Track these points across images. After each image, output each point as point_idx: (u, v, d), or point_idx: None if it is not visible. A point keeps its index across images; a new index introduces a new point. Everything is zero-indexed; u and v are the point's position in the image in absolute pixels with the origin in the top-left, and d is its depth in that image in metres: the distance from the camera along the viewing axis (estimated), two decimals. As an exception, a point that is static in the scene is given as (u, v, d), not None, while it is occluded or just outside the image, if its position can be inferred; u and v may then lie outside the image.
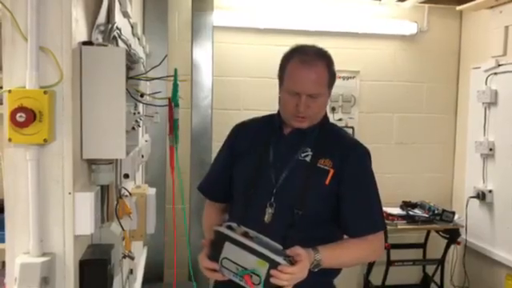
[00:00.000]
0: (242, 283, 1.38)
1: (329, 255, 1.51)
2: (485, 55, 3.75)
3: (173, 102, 1.44)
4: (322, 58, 1.59)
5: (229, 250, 1.40)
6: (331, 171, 1.58)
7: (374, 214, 1.65)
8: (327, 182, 1.57)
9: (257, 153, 1.64)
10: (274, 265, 1.35)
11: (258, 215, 1.56)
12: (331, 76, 1.60)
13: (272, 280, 1.36)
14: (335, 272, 1.68)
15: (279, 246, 1.41)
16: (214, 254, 1.42)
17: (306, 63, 1.56)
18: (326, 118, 1.69)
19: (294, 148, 1.62)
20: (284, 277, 1.36)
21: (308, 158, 1.60)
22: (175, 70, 1.48)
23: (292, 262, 1.38)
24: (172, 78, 1.47)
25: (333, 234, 1.62)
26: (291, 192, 1.58)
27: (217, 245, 1.41)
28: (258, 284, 1.36)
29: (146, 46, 2.98)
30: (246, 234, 1.42)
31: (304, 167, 1.59)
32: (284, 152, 1.62)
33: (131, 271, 2.25)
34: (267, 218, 1.56)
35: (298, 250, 1.42)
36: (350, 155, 1.63)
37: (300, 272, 1.40)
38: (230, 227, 1.43)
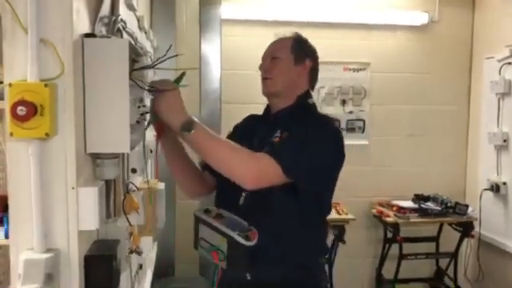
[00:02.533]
0: (212, 260, 1.53)
1: (204, 129, 1.47)
2: (498, 45, 3.69)
3: None
4: (290, 35, 1.75)
5: (203, 230, 1.56)
6: (277, 139, 1.62)
7: (285, 149, 1.55)
8: None
9: (245, 141, 1.63)
10: (230, 240, 1.45)
11: (234, 198, 1.62)
12: (297, 45, 1.72)
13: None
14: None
15: (245, 224, 1.50)
16: (195, 236, 1.59)
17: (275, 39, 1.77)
18: (303, 101, 1.72)
19: (270, 132, 1.67)
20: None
21: (276, 139, 1.64)
22: (183, 73, 1.50)
23: (248, 237, 1.45)
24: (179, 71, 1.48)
25: (308, 212, 1.62)
26: None
27: (195, 227, 1.59)
28: (223, 260, 1.48)
29: (153, 40, 2.96)
30: (219, 215, 1.54)
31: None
32: (262, 138, 1.66)
33: (140, 266, 2.25)
34: (241, 201, 1.61)
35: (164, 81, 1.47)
36: (300, 122, 1.62)
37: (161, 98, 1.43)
38: (206, 210, 1.58)
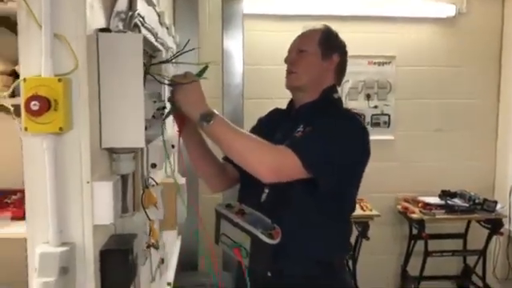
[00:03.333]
0: (234, 256, 1.51)
1: (224, 121, 1.46)
2: (529, 36, 3.58)
3: None
4: (319, 27, 1.70)
5: (224, 226, 1.54)
6: (299, 134, 1.60)
7: (306, 143, 1.51)
8: None
9: (266, 136, 1.59)
10: (254, 238, 1.43)
11: (256, 194, 1.61)
12: (325, 39, 1.67)
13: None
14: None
15: (268, 221, 1.48)
16: (216, 230, 1.58)
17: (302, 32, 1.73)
18: (328, 96, 1.68)
19: (292, 127, 1.64)
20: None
21: (298, 134, 1.61)
22: (206, 66, 1.50)
23: (272, 235, 1.43)
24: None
25: (328, 209, 1.59)
26: None
27: (216, 222, 1.58)
28: (246, 257, 1.47)
29: (175, 36, 2.96)
30: (241, 211, 1.53)
31: None
32: (285, 132, 1.63)
33: (162, 260, 2.26)
34: (263, 197, 1.60)
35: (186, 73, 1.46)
36: (323, 116, 1.58)
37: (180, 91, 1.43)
38: (228, 205, 1.57)
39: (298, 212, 1.57)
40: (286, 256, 1.51)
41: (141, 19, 1.58)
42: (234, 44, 3.49)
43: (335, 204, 1.60)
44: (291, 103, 1.75)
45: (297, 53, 1.67)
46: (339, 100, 1.71)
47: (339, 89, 1.76)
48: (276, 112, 1.85)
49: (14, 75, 1.86)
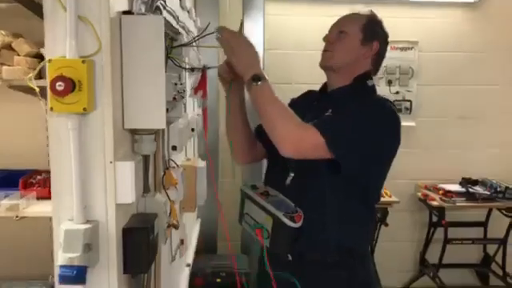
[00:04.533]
0: (255, 237, 1.54)
1: (269, 86, 1.48)
2: (557, 21, 3.49)
3: None
4: (367, 13, 1.68)
5: (248, 206, 1.58)
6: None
7: (333, 122, 1.51)
8: None
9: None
10: (276, 219, 1.46)
11: (281, 178, 1.63)
12: (369, 25, 1.64)
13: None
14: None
15: (292, 205, 1.50)
16: (240, 210, 1.62)
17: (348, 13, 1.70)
18: (361, 83, 1.65)
19: (321, 112, 1.60)
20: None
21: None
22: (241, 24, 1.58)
23: (293, 218, 1.45)
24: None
25: (352, 196, 1.59)
26: None
27: (241, 202, 1.63)
28: (267, 238, 1.49)
29: (196, 20, 2.97)
30: (265, 193, 1.55)
31: None
32: (314, 116, 1.58)
33: (182, 241, 2.30)
34: (287, 181, 1.61)
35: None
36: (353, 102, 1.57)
37: (233, 37, 1.49)
38: (254, 186, 1.61)
39: (321, 198, 1.58)
40: (307, 241, 1.53)
41: (162, 2, 1.59)
42: (254, 28, 3.47)
43: (360, 191, 1.59)
44: (325, 86, 1.74)
45: (337, 33, 1.64)
46: (373, 87, 1.67)
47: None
48: (309, 94, 1.84)
49: (39, 58, 1.90)
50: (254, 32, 3.47)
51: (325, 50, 1.67)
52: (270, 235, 1.49)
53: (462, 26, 3.88)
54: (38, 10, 2.04)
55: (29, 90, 1.82)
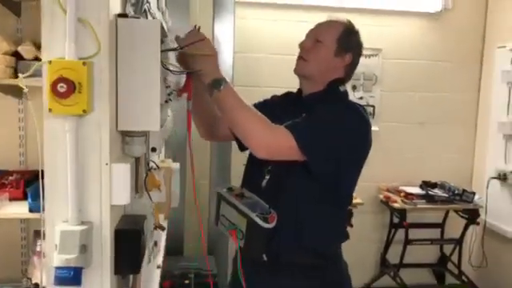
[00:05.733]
0: (230, 237, 1.57)
1: (232, 90, 1.51)
2: (510, 34, 3.68)
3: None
4: (342, 21, 1.70)
5: (224, 208, 1.61)
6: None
7: (304, 124, 1.55)
8: None
9: (274, 117, 1.63)
10: (249, 220, 1.48)
11: (257, 180, 1.66)
12: (345, 37, 1.67)
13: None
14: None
15: (266, 206, 1.53)
16: (216, 212, 1.65)
17: (327, 20, 1.72)
18: (333, 89, 1.69)
19: (296, 115, 1.63)
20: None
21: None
22: (197, 28, 1.53)
23: (267, 219, 1.47)
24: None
25: (327, 203, 1.63)
26: None
27: (217, 204, 1.64)
28: (242, 239, 1.51)
29: (168, 21, 2.97)
30: (241, 195, 1.58)
31: None
32: (289, 120, 1.61)
33: (155, 243, 2.30)
34: (263, 183, 1.64)
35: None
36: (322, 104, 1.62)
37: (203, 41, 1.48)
38: (230, 188, 1.64)
39: (295, 200, 1.61)
40: (281, 242, 1.57)
41: (148, 5, 1.60)
42: (224, 31, 3.49)
43: (333, 194, 1.64)
44: (300, 90, 1.77)
45: (313, 41, 1.67)
46: (345, 93, 1.72)
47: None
48: (288, 95, 1.86)
49: (17, 56, 1.86)
50: (224, 34, 3.49)
51: (299, 57, 1.70)
52: (244, 236, 1.52)
53: (424, 35, 4.04)
54: (14, 8, 2.01)
55: (7, 89, 1.79)
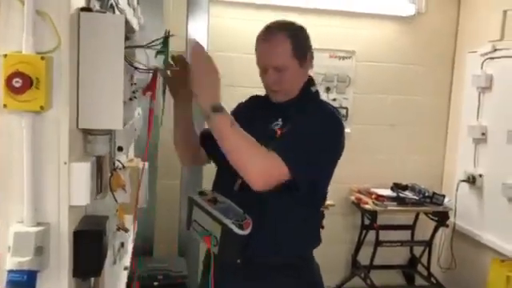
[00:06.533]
0: (203, 244, 1.53)
1: (226, 118, 1.48)
2: (482, 39, 3.75)
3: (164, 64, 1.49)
4: (283, 30, 1.61)
5: (196, 213, 1.56)
6: (278, 131, 1.61)
7: (291, 148, 1.53)
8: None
9: (245, 121, 1.63)
10: (224, 227, 1.45)
11: (229, 184, 1.63)
12: (297, 46, 1.60)
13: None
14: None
15: (240, 211, 1.50)
16: (188, 217, 1.59)
17: (266, 37, 1.62)
18: (307, 91, 1.69)
19: (269, 120, 1.65)
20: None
21: (277, 127, 1.62)
22: (167, 31, 1.48)
23: (242, 226, 1.45)
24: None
25: (301, 205, 1.61)
26: None
27: (189, 209, 1.59)
28: (216, 245, 1.48)
29: (140, 18, 2.91)
30: (213, 200, 1.54)
31: (271, 137, 1.60)
32: (261, 125, 1.63)
33: (122, 244, 2.25)
34: (236, 186, 1.61)
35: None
36: (302, 114, 1.61)
37: (195, 61, 1.47)
38: (201, 192, 1.59)
39: (269, 203, 1.59)
40: (256, 245, 1.54)
41: (115, 0, 1.56)
42: (198, 29, 3.45)
43: (308, 197, 1.62)
44: (265, 95, 1.75)
45: (273, 71, 1.60)
46: (317, 93, 1.73)
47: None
48: (256, 99, 1.84)
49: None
50: (198, 33, 3.45)
51: (272, 90, 1.65)
52: (218, 243, 1.48)
53: (397, 39, 4.07)
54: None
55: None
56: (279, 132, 1.60)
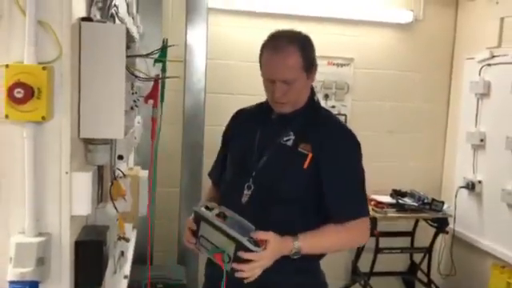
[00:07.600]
0: (214, 260, 1.47)
1: (309, 242, 1.53)
2: (479, 46, 3.76)
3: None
4: (294, 42, 1.59)
5: (204, 229, 1.50)
6: (309, 155, 1.59)
7: (356, 201, 1.64)
8: (305, 166, 1.59)
9: (246, 137, 1.67)
10: (239, 245, 1.41)
11: (237, 196, 1.62)
12: (306, 59, 1.60)
13: (234, 266, 1.42)
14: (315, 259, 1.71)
15: (252, 227, 1.47)
16: (195, 232, 1.54)
17: (276, 49, 1.58)
18: (312, 101, 1.70)
19: (278, 132, 1.64)
20: (245, 265, 1.41)
21: (290, 143, 1.62)
22: (165, 40, 1.49)
23: (257, 243, 1.43)
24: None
25: (310, 221, 1.60)
26: (269, 175, 1.62)
27: (196, 224, 1.53)
28: (228, 262, 1.42)
29: (140, 26, 2.92)
30: (222, 214, 1.49)
31: (285, 151, 1.61)
32: (269, 136, 1.64)
33: (122, 253, 2.24)
34: (244, 199, 1.61)
35: (267, 236, 1.45)
36: (330, 140, 1.63)
37: (264, 259, 1.44)
38: (207, 207, 1.52)
39: (276, 215, 1.58)
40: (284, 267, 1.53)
41: (115, 9, 1.56)
42: (197, 37, 3.47)
43: (315, 214, 1.62)
44: (267, 106, 1.70)
45: (282, 84, 1.57)
46: (318, 101, 1.74)
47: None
48: (243, 113, 1.82)
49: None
50: (197, 41, 3.46)
51: (278, 102, 1.62)
52: (231, 260, 1.43)
53: (395, 46, 4.08)
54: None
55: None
56: (309, 156, 1.59)
